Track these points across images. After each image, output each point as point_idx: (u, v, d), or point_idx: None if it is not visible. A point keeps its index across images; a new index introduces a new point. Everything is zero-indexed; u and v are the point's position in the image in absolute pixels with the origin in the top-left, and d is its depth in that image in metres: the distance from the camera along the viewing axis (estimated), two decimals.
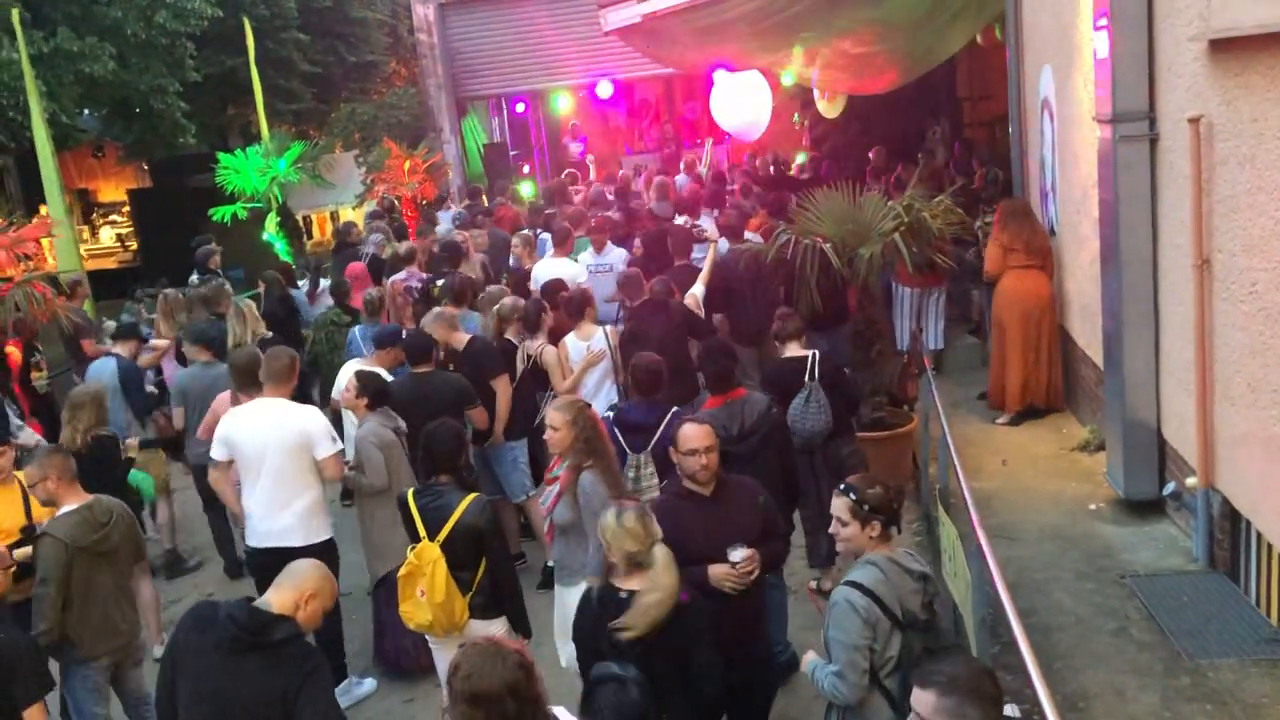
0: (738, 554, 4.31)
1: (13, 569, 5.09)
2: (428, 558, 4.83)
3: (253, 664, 3.60)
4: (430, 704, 5.86)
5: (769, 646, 5.06)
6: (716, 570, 4.32)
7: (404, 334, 7.57)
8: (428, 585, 4.80)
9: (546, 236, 10.91)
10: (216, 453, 6.00)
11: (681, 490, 4.58)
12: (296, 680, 3.64)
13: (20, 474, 5.68)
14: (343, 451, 6.08)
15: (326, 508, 6.09)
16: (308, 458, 5.87)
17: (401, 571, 4.94)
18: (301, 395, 7.45)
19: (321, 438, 5.90)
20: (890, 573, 3.76)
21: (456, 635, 4.93)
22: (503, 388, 7.15)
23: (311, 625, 3.75)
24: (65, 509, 5.20)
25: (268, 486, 5.86)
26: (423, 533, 4.92)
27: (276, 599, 3.69)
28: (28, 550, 5.27)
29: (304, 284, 11.44)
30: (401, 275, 9.87)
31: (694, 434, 4.54)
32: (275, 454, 5.83)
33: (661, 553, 3.92)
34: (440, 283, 9.03)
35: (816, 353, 6.44)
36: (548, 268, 9.28)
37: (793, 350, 6.50)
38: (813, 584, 6.55)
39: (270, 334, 8.58)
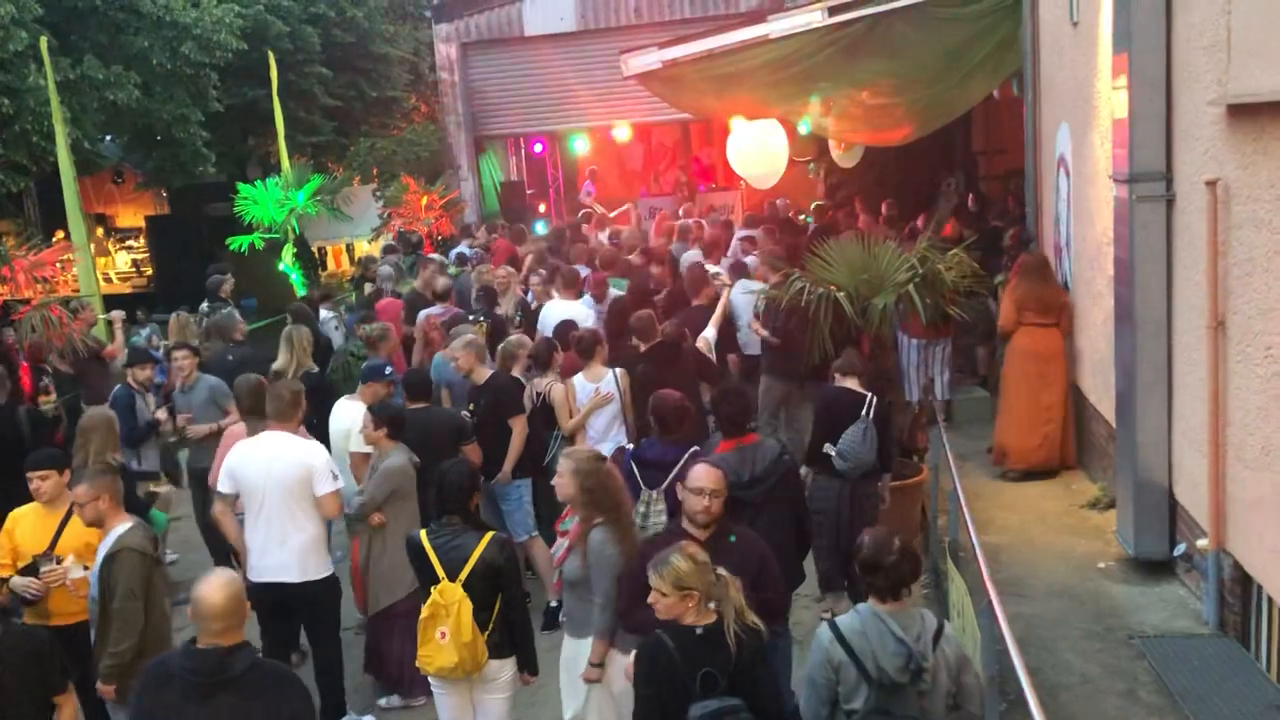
0: None
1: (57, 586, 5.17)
2: (451, 598, 4.78)
3: (227, 702, 3.64)
4: None
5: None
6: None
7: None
8: (453, 626, 4.73)
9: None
10: (222, 485, 6.04)
11: (678, 530, 4.59)
12: (276, 701, 3.70)
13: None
14: (343, 488, 6.07)
15: (326, 545, 6.08)
16: (308, 493, 5.88)
17: (424, 614, 4.85)
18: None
19: (322, 474, 5.90)
20: (870, 627, 3.80)
21: (475, 677, 4.89)
22: (519, 427, 7.15)
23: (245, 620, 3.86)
24: (123, 526, 5.11)
25: (268, 521, 5.87)
26: (442, 573, 4.83)
27: (221, 637, 3.70)
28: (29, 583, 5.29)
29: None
30: (437, 310, 9.89)
31: (705, 474, 4.56)
32: (276, 489, 5.85)
33: (727, 575, 3.93)
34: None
35: (874, 395, 6.61)
36: (557, 309, 9.31)
37: (851, 384, 6.67)
38: (826, 613, 6.53)
39: (316, 368, 8.55)
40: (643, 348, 7.86)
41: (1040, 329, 8.56)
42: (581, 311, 9.26)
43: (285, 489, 5.85)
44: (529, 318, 9.67)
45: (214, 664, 3.64)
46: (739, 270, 9.95)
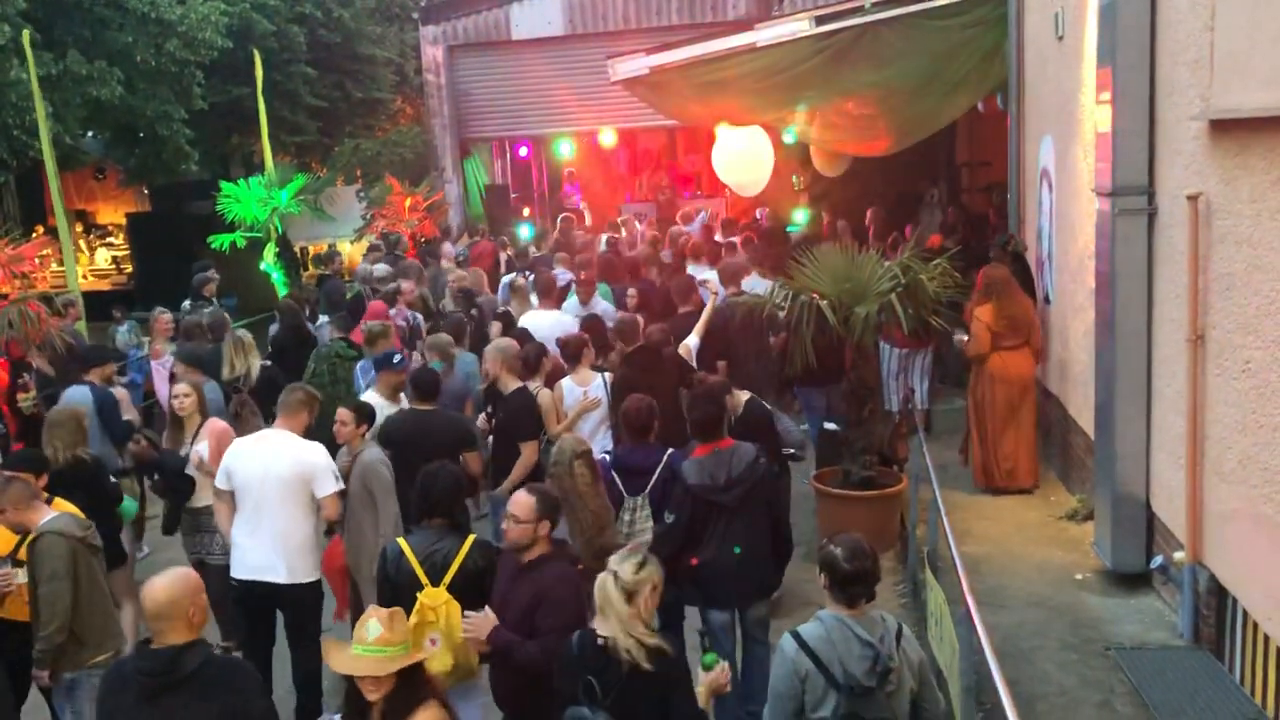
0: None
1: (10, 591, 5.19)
2: (437, 601, 4.71)
3: (181, 701, 3.62)
4: None
5: None
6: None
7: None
8: (444, 630, 4.66)
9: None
10: (219, 482, 6.01)
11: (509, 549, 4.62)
12: (230, 697, 3.68)
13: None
14: (344, 492, 6.01)
15: (316, 548, 6.04)
16: (305, 493, 5.85)
17: (411, 621, 4.76)
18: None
19: (324, 474, 5.88)
20: (835, 633, 3.81)
21: (470, 681, 4.84)
22: (530, 451, 7.01)
23: (203, 621, 3.80)
24: (47, 518, 5.20)
25: (259, 518, 5.83)
26: (425, 580, 4.76)
27: (172, 636, 3.68)
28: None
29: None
30: (390, 312, 9.89)
31: (515, 502, 4.55)
32: (272, 486, 5.82)
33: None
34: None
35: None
36: (534, 319, 9.21)
37: (744, 394, 6.90)
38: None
39: (269, 363, 8.53)
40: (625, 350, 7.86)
41: (1012, 352, 8.44)
42: (563, 321, 9.21)
43: (284, 487, 5.82)
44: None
45: (163, 664, 3.63)
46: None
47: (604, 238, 14.49)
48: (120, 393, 8.35)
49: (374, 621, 3.68)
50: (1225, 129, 5.29)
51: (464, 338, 8.79)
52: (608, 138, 18.57)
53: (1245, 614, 5.38)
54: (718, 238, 13.21)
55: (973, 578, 5.76)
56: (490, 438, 7.43)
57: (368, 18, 22.22)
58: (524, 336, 8.27)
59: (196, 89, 17.22)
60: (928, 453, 7.42)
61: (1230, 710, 5.24)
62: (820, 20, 11.46)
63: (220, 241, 14.41)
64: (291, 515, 5.82)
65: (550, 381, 7.62)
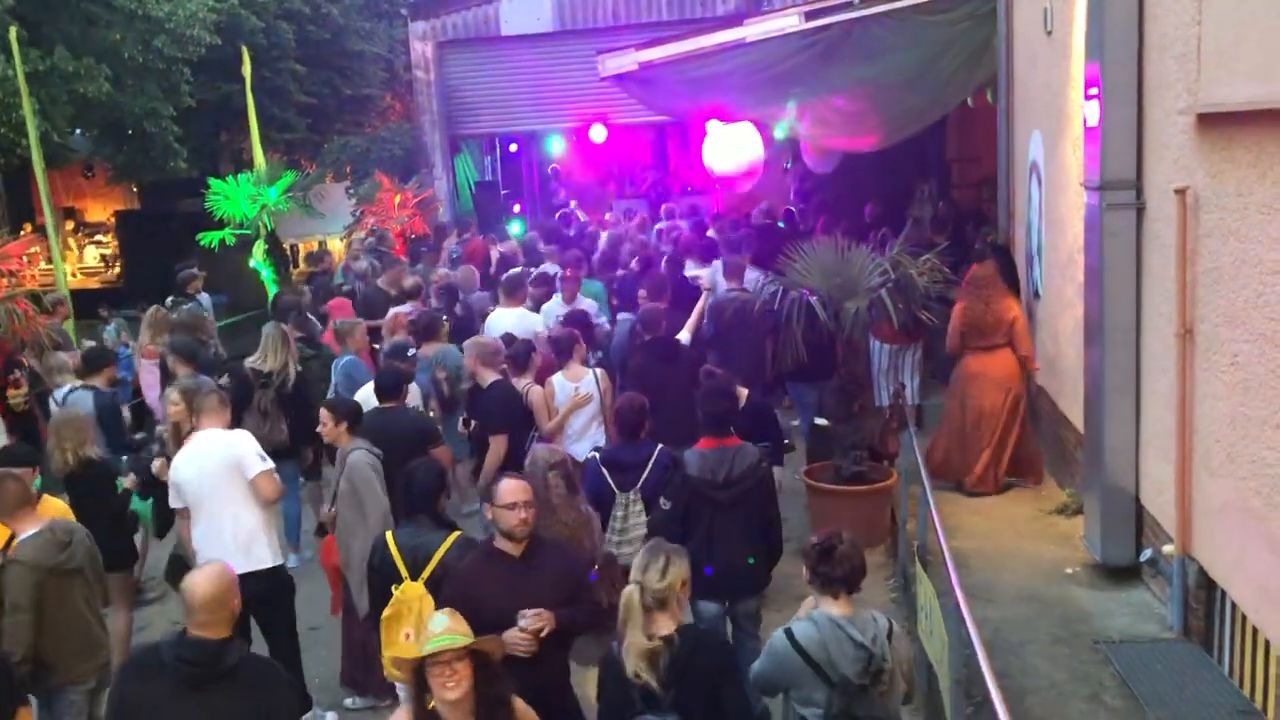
0: (525, 619, 4.25)
1: None
2: (412, 595, 4.75)
3: (217, 696, 3.62)
4: None
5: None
6: (509, 636, 4.19)
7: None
8: (416, 626, 4.70)
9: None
10: (172, 500, 6.07)
11: (491, 549, 4.49)
12: (268, 696, 3.71)
13: None
14: (274, 470, 6.08)
15: (270, 535, 6.05)
16: (241, 480, 5.92)
17: (385, 614, 4.84)
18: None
19: (250, 457, 5.95)
20: (829, 635, 3.83)
21: None
22: (497, 444, 6.99)
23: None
24: (27, 533, 5.14)
25: (207, 516, 5.91)
26: (405, 573, 4.83)
27: (212, 630, 3.70)
28: None
29: None
30: (406, 309, 9.85)
31: (512, 489, 4.43)
32: (209, 481, 5.90)
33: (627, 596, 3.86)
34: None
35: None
36: (501, 319, 9.19)
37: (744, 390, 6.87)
38: None
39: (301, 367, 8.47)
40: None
41: (986, 353, 8.31)
42: (529, 320, 9.17)
43: (218, 479, 5.89)
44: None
45: (209, 655, 3.64)
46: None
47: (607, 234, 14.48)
48: None
49: (439, 615, 3.72)
50: (1212, 123, 5.29)
51: (439, 333, 8.79)
52: (598, 133, 18.55)
53: (1234, 606, 5.39)
54: (709, 234, 13.19)
55: (962, 572, 5.76)
56: (471, 437, 7.44)
57: (357, 14, 22.18)
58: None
59: (185, 86, 17.17)
60: (918, 448, 7.44)
61: (1219, 702, 5.25)
62: (809, 16, 11.47)
63: (209, 239, 14.36)
64: (233, 504, 5.88)
65: (540, 378, 7.62)
